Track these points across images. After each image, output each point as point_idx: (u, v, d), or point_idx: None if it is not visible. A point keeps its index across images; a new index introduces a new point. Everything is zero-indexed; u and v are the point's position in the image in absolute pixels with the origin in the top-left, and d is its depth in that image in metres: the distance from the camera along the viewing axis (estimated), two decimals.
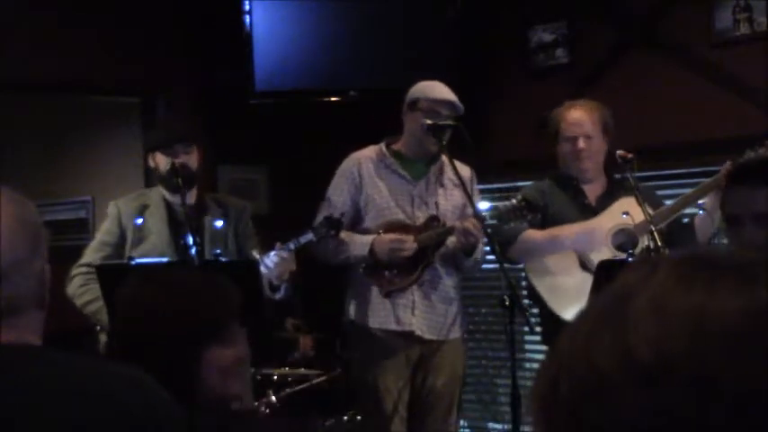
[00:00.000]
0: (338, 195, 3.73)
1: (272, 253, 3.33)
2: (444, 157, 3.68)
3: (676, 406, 0.62)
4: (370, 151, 3.80)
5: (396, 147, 3.78)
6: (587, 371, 0.65)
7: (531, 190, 3.80)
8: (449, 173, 3.73)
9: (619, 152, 3.50)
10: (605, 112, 3.68)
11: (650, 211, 3.34)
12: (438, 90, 3.67)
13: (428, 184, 3.74)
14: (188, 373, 1.81)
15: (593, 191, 3.69)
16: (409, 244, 3.59)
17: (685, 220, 3.60)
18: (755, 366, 0.61)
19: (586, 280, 3.51)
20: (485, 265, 4.09)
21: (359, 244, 3.63)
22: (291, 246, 3.36)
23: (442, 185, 3.75)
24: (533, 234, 3.63)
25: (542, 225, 3.67)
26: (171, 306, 1.86)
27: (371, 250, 3.60)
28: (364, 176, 3.73)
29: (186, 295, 1.89)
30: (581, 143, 3.61)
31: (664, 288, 0.65)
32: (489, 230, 3.45)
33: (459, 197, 3.73)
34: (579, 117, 3.64)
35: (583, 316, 0.70)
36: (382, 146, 3.79)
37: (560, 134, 3.67)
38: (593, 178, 3.70)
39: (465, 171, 3.72)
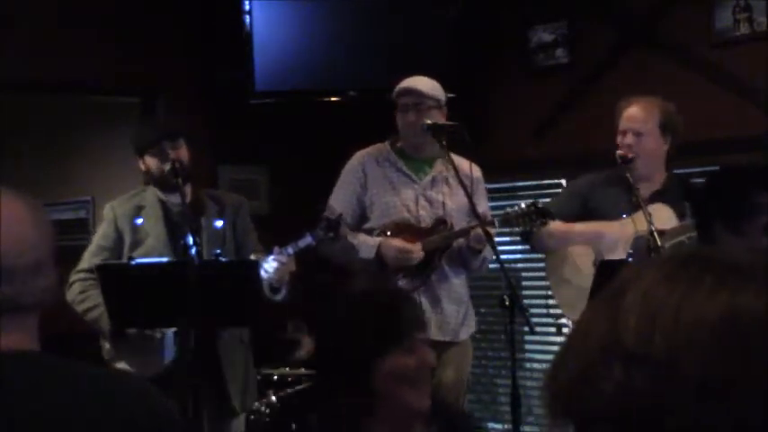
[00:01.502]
0: (343, 194, 3.71)
1: (271, 258, 3.32)
2: (452, 156, 3.68)
3: (647, 385, 0.68)
4: (374, 149, 3.79)
5: (400, 145, 3.78)
6: (583, 355, 0.72)
7: (581, 180, 3.78)
8: (454, 172, 3.72)
9: (618, 152, 3.50)
10: (667, 110, 3.57)
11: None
12: (403, 83, 3.66)
13: (433, 183, 3.72)
14: (365, 380, 1.81)
15: (647, 188, 3.55)
16: (416, 253, 3.56)
17: None
18: (725, 364, 0.67)
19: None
20: None
21: (366, 246, 3.61)
22: (290, 250, 3.34)
23: (448, 184, 3.73)
24: (553, 226, 3.63)
25: (582, 217, 3.66)
26: (352, 313, 1.88)
27: (378, 253, 3.59)
28: (369, 175, 3.72)
29: (367, 303, 1.90)
30: (629, 138, 3.54)
31: (652, 284, 0.72)
32: (492, 236, 3.45)
33: (464, 196, 3.72)
34: (634, 113, 3.55)
35: (587, 310, 0.77)
36: (387, 144, 3.79)
37: (618, 128, 3.60)
38: (648, 175, 3.56)
39: (475, 171, 3.73)
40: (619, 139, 3.58)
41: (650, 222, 3.25)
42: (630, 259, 3.37)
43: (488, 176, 4.81)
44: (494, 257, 3.46)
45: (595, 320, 0.74)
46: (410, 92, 3.62)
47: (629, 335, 0.70)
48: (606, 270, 3.01)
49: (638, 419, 0.68)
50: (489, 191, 4.01)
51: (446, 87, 3.73)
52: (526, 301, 3.80)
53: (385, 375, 1.81)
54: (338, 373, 1.84)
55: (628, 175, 3.44)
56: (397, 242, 3.59)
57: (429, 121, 3.59)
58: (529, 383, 4.88)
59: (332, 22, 5.05)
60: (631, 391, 0.69)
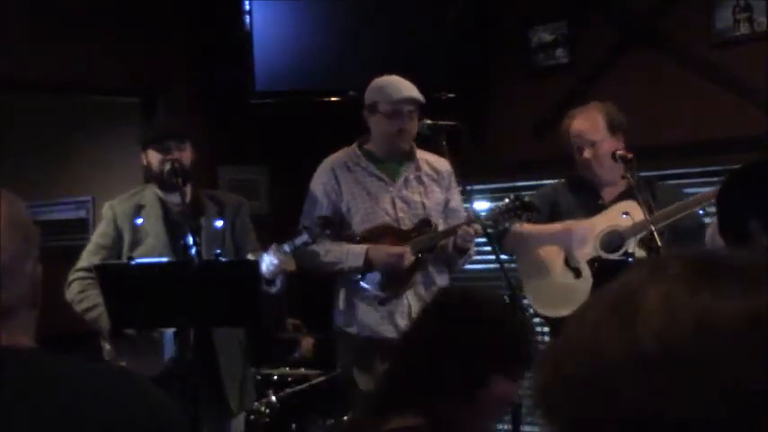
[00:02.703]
0: (318, 205, 3.67)
1: (266, 256, 3.30)
2: (421, 153, 3.68)
3: (673, 394, 0.66)
4: (343, 154, 3.76)
5: (368, 147, 3.75)
6: (592, 357, 0.70)
7: (546, 187, 3.82)
8: (426, 169, 3.71)
9: (618, 152, 3.50)
10: (610, 111, 3.62)
11: (648, 213, 3.34)
12: (395, 88, 3.61)
13: (407, 184, 3.70)
14: (475, 389, 1.79)
15: (611, 191, 3.62)
16: (407, 257, 3.54)
17: (707, 220, 3.55)
18: (754, 367, 0.65)
19: (567, 276, 3.54)
20: (485, 266, 4.09)
21: (352, 255, 3.57)
22: (286, 248, 3.34)
23: (422, 183, 3.72)
24: (523, 227, 3.65)
25: (553, 221, 3.66)
26: (505, 319, 1.86)
27: (366, 260, 3.56)
28: (341, 182, 3.68)
29: (498, 317, 1.88)
30: (586, 153, 3.58)
31: (673, 286, 0.69)
32: (489, 230, 3.45)
33: (439, 194, 3.73)
34: (579, 128, 3.60)
35: (589, 307, 0.74)
36: (355, 147, 3.75)
37: (570, 145, 3.64)
38: (612, 180, 3.61)
39: (445, 165, 3.71)
40: (577, 156, 3.61)
41: (650, 222, 3.26)
42: (630, 259, 3.38)
43: (488, 176, 4.82)
44: (493, 257, 3.46)
45: (606, 322, 0.71)
46: (411, 101, 3.59)
47: (650, 339, 0.68)
48: (607, 270, 3.01)
49: (655, 423, 0.67)
50: (489, 191, 4.01)
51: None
52: (526, 302, 3.79)
53: (493, 393, 1.80)
54: (458, 372, 1.79)
55: (628, 175, 3.45)
56: (387, 247, 3.57)
57: (429, 122, 3.59)
58: (529, 384, 4.86)
59: (332, 23, 5.05)
60: (652, 395, 0.67)
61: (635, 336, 0.68)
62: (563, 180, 3.79)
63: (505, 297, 3.23)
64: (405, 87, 3.61)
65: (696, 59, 4.44)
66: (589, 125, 3.59)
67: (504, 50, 5.13)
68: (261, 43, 4.95)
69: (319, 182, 3.72)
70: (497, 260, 3.38)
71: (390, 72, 3.75)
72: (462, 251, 3.60)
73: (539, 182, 4.97)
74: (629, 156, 3.48)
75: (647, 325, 0.68)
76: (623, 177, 3.48)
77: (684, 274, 0.70)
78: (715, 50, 4.39)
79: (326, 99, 5.08)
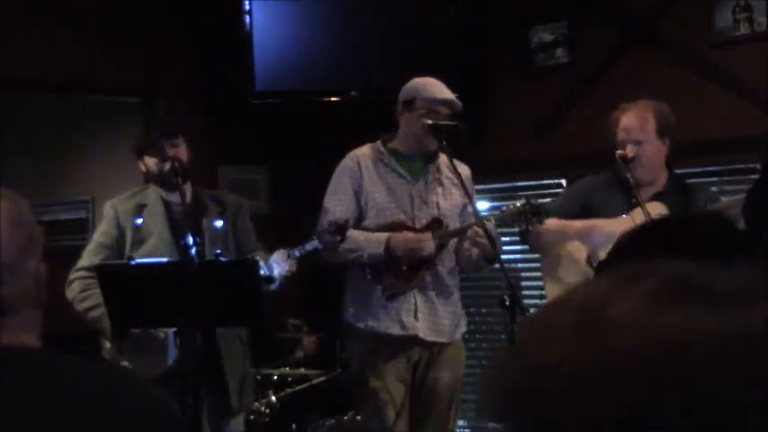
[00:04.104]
0: (342, 194, 3.69)
1: (276, 264, 3.29)
2: (443, 156, 3.69)
3: (645, 411, 0.63)
4: (367, 149, 3.78)
5: (392, 145, 3.76)
6: (559, 369, 0.67)
7: (578, 184, 3.78)
8: (447, 172, 3.73)
9: (618, 152, 3.49)
10: (661, 112, 3.53)
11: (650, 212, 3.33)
12: (435, 89, 3.64)
13: (427, 183, 3.72)
14: None
15: (649, 191, 3.54)
16: (429, 244, 3.57)
17: None
18: (734, 386, 0.62)
19: (585, 276, 3.52)
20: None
21: (373, 242, 3.59)
22: (296, 253, 3.33)
23: (441, 184, 3.73)
24: (548, 223, 3.63)
25: (582, 219, 3.64)
26: None
27: (387, 248, 3.58)
28: (364, 175, 3.70)
29: None
30: (629, 150, 3.49)
31: (648, 301, 0.66)
32: (490, 232, 3.45)
33: (458, 196, 3.73)
34: (629, 123, 3.51)
35: (559, 311, 0.71)
36: (379, 144, 3.77)
37: (615, 139, 3.59)
38: (651, 180, 3.55)
39: (464, 170, 3.72)
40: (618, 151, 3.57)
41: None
42: None
43: (488, 176, 4.82)
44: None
45: (572, 333, 0.68)
46: (449, 103, 3.61)
47: (621, 354, 0.65)
48: (606, 270, 3.00)
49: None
50: (489, 191, 4.02)
51: (446, 87, 3.73)
52: (526, 301, 3.79)
53: None
54: None
55: (628, 175, 3.44)
56: (409, 234, 3.59)
57: (430, 122, 3.59)
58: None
59: (332, 23, 5.05)
60: (621, 413, 0.64)
61: (604, 349, 0.66)
62: (605, 176, 3.70)
63: (505, 297, 3.24)
64: (444, 90, 3.64)
65: (696, 59, 4.44)
66: (640, 123, 3.50)
67: (504, 50, 5.13)
68: (261, 43, 4.96)
69: (344, 172, 3.73)
70: (498, 260, 3.38)
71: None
72: (489, 257, 3.58)
73: (539, 182, 4.99)
74: (629, 156, 3.47)
75: (617, 339, 0.65)
76: (626, 178, 3.46)
77: (659, 290, 0.68)
78: (715, 50, 4.39)
79: (326, 99, 5.08)
